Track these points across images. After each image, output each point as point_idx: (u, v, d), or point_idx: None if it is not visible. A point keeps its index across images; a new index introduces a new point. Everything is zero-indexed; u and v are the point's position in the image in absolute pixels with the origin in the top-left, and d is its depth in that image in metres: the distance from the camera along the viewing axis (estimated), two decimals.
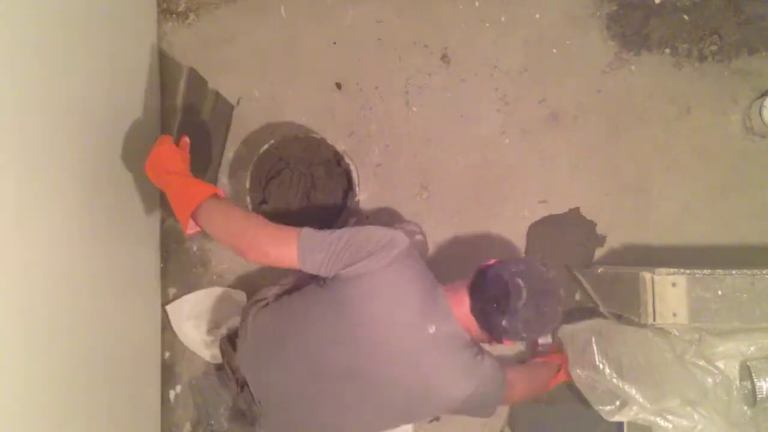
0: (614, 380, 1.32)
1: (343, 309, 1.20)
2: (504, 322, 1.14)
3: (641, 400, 1.29)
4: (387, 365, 1.19)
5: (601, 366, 1.35)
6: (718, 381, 1.31)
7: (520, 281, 1.15)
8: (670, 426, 1.30)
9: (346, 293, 1.20)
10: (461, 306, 1.20)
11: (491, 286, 1.17)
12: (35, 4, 1.20)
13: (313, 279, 1.29)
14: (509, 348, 1.67)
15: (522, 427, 1.66)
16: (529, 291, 1.14)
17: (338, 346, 1.21)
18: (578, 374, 1.42)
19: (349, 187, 1.63)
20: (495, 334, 1.19)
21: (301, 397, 1.26)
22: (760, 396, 1.36)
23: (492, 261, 1.25)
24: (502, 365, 1.28)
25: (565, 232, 1.71)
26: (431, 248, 1.73)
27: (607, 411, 1.38)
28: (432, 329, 1.17)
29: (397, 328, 1.18)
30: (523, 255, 1.73)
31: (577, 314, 1.63)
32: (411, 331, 1.18)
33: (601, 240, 1.71)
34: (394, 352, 1.18)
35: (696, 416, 1.29)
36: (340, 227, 1.27)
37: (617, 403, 1.36)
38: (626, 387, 1.31)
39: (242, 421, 1.51)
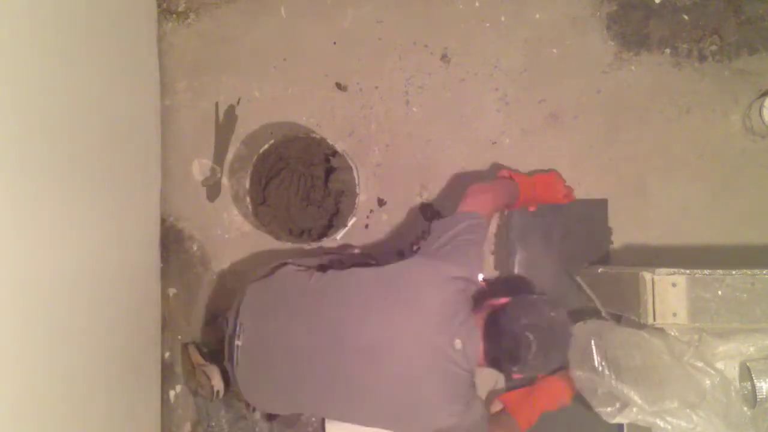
0: (613, 382, 1.32)
1: (397, 295, 1.26)
2: (515, 369, 1.24)
3: (640, 402, 1.29)
4: (403, 356, 1.21)
5: (600, 368, 1.35)
6: (716, 383, 1.30)
7: (530, 335, 1.20)
8: (669, 427, 1.30)
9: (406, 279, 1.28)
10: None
11: (502, 338, 1.23)
12: (35, 4, 1.20)
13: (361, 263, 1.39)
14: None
15: None
16: (538, 343, 1.20)
17: (368, 325, 1.24)
18: (578, 376, 1.42)
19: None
20: (504, 375, 1.32)
21: (298, 351, 1.27)
22: (760, 397, 1.35)
23: (503, 300, 1.30)
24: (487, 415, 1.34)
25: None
26: None
27: (608, 413, 1.38)
28: (458, 344, 1.21)
29: (428, 324, 1.22)
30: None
31: (577, 315, 1.62)
32: (438, 335, 1.21)
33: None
34: (413, 347, 1.21)
35: (695, 418, 1.28)
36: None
37: (617, 404, 1.36)
38: (625, 389, 1.30)
39: (245, 423, 1.51)
